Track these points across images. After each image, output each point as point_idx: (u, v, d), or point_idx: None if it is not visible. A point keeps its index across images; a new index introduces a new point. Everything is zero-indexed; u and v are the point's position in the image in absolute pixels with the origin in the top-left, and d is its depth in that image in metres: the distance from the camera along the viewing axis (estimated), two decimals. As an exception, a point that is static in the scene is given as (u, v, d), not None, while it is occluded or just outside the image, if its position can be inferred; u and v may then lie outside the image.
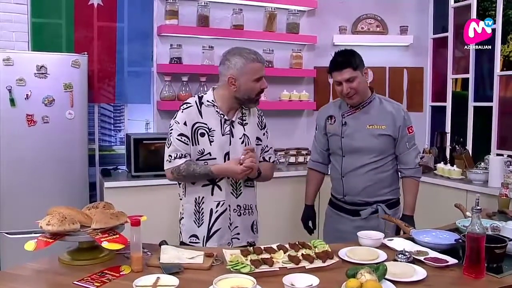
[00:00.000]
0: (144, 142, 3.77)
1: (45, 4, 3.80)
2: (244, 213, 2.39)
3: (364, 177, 2.60)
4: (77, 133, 3.60)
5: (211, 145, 2.29)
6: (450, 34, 4.62)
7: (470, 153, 4.26)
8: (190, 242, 2.37)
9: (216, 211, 2.33)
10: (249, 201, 2.42)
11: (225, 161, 2.30)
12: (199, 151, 2.29)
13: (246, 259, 1.81)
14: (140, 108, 4.33)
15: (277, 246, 1.96)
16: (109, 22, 4.03)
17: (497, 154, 4.11)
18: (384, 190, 2.64)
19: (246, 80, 2.26)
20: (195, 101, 2.34)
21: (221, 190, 2.33)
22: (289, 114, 4.72)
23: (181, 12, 4.16)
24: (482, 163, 3.95)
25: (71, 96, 3.54)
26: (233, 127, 2.34)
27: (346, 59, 2.52)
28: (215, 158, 2.29)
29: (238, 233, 2.38)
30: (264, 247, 1.94)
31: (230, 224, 2.35)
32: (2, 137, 3.38)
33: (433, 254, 1.98)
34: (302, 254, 1.88)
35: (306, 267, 1.79)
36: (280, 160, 4.30)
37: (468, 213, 2.57)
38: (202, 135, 2.29)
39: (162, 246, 1.94)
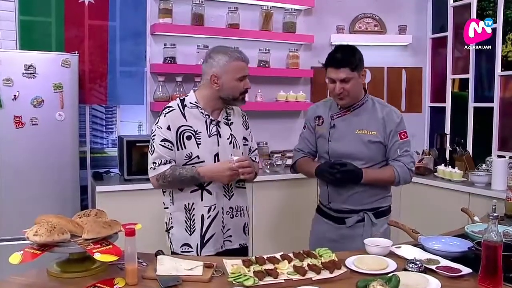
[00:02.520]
0: (137, 144, 3.65)
1: (34, 1, 3.65)
2: (237, 215, 2.33)
3: (351, 184, 2.43)
4: (68, 136, 3.46)
5: (198, 148, 2.22)
6: (449, 33, 4.55)
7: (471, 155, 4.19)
8: (182, 251, 2.26)
9: (208, 216, 2.24)
10: (241, 202, 2.37)
11: (214, 163, 2.23)
12: (187, 155, 2.21)
13: (249, 270, 1.70)
14: (133, 109, 4.20)
15: (280, 256, 1.85)
16: (101, 21, 3.89)
17: (498, 156, 4.04)
18: (372, 198, 2.47)
19: (229, 78, 2.20)
20: (177, 104, 2.27)
21: (210, 194, 2.24)
22: (286, 115, 4.61)
23: (175, 10, 4.05)
24: (484, 165, 3.87)
25: (61, 97, 3.41)
26: (219, 127, 2.28)
27: (346, 57, 2.34)
28: (203, 161, 2.22)
29: (231, 236, 2.31)
30: (267, 257, 1.83)
31: (223, 227, 2.28)
32: (-11, 140, 3.24)
33: (444, 262, 1.88)
34: (308, 264, 1.77)
35: (313, 279, 1.68)
36: (277, 163, 4.20)
37: (476, 218, 2.48)
38: (189, 138, 2.21)
39: (158, 256, 1.82)
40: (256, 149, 2.50)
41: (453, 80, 4.65)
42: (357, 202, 2.46)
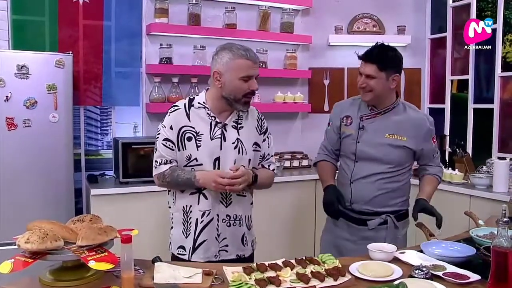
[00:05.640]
0: (133, 146, 3.57)
1: (27, 0, 3.58)
2: (234, 224, 2.20)
3: (375, 185, 2.40)
4: (62, 137, 3.38)
5: (198, 150, 2.13)
6: (448, 34, 4.50)
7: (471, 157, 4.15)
8: (178, 254, 2.21)
9: (202, 221, 2.16)
10: (240, 211, 2.22)
11: (214, 167, 2.13)
12: (187, 156, 2.14)
13: (250, 278, 1.64)
14: (128, 111, 4.13)
15: (282, 262, 1.79)
16: (96, 20, 3.82)
17: (498, 158, 4.00)
18: (394, 200, 2.44)
19: (232, 77, 2.08)
20: (184, 104, 2.20)
21: (206, 199, 2.16)
22: (283, 117, 4.56)
23: (171, 10, 3.98)
24: (484, 167, 3.83)
25: (55, 98, 3.33)
26: (226, 130, 2.16)
27: (379, 55, 2.33)
28: (201, 164, 2.13)
29: (227, 245, 2.19)
30: (268, 264, 1.77)
31: (218, 235, 2.17)
32: (-20, 142, 3.16)
33: (451, 268, 1.82)
34: (311, 271, 1.71)
35: (317, 287, 1.62)
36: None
37: (480, 222, 2.44)
38: (189, 139, 2.13)
39: (155, 264, 1.75)
40: (272, 156, 2.33)
41: (451, 81, 4.61)
42: (381, 204, 2.41)
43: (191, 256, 2.17)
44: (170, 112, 2.19)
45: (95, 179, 3.71)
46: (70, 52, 3.48)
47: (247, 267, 1.73)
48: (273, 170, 2.33)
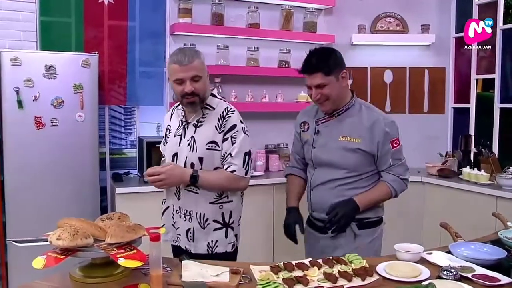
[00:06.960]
0: (157, 145, 3.58)
1: (54, 2, 3.65)
2: (183, 218, 2.27)
3: (334, 192, 2.29)
4: (88, 136, 3.44)
5: (165, 145, 2.40)
6: (474, 32, 4.43)
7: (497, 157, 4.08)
8: None
9: (162, 207, 2.40)
10: (190, 207, 2.24)
11: (172, 161, 2.29)
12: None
13: (278, 277, 1.64)
14: (152, 110, 4.17)
15: (309, 262, 1.79)
16: (120, 21, 3.88)
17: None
18: None
19: (171, 80, 2.23)
20: (175, 105, 2.42)
21: (164, 189, 2.36)
22: (306, 116, 4.53)
23: (194, 10, 4.01)
24: (511, 168, 3.75)
25: (81, 97, 3.39)
26: (187, 128, 2.28)
27: (318, 62, 2.21)
28: (165, 159, 2.38)
29: (180, 234, 2.30)
30: (295, 263, 1.77)
31: (174, 223, 2.32)
32: (9, 141, 3.23)
33: (480, 270, 1.79)
34: (339, 271, 1.70)
35: (345, 286, 1.62)
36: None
37: (509, 223, 2.39)
38: (166, 136, 2.42)
39: (183, 262, 1.77)
40: (233, 157, 2.18)
41: (477, 80, 4.54)
42: None
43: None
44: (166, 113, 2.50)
45: (120, 177, 3.76)
46: (96, 52, 3.54)
47: (274, 266, 1.73)
48: (233, 171, 2.18)
